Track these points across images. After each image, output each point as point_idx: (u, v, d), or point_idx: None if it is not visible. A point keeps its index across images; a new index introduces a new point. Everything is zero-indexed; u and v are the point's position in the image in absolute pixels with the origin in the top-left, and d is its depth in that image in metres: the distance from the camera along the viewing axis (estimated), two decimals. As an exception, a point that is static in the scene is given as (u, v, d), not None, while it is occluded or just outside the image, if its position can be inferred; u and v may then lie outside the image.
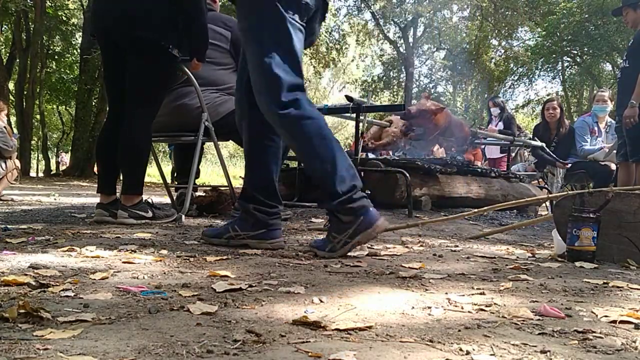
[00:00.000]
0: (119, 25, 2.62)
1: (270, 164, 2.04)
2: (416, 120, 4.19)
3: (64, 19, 18.38)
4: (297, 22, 1.90)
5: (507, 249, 2.27)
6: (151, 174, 15.52)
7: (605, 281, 1.51)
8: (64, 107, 22.78)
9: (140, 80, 2.64)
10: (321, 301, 1.16)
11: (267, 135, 2.02)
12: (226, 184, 3.30)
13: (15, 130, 12.71)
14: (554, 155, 5.38)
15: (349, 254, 1.89)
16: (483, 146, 6.71)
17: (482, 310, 1.13)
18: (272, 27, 1.88)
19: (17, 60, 17.14)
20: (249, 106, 2.02)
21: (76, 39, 19.47)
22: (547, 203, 4.44)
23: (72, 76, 19.77)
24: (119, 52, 2.67)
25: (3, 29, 19.34)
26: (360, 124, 3.92)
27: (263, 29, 1.89)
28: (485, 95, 21.38)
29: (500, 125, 6.62)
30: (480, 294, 1.30)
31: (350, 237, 1.80)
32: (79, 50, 17.52)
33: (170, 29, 2.64)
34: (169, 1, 2.61)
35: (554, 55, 19.19)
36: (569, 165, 5.30)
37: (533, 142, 5.68)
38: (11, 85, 18.11)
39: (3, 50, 18.75)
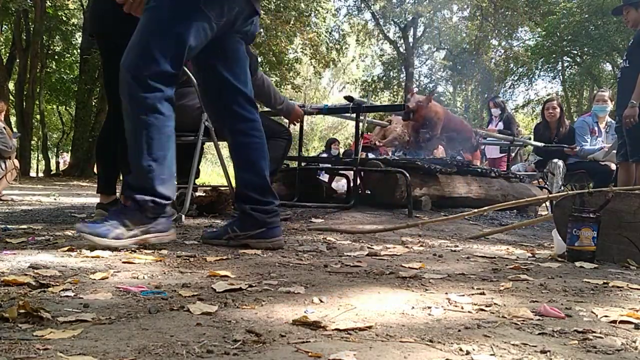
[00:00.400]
0: (119, 26, 2.62)
1: (259, 160, 2.02)
2: (417, 115, 4.17)
3: (64, 19, 18.38)
4: (211, 19, 1.83)
5: (507, 249, 2.27)
6: (151, 174, 15.49)
7: (605, 281, 1.51)
8: (64, 107, 22.78)
9: None
10: (321, 301, 1.16)
11: (249, 132, 2.01)
12: (226, 184, 3.30)
13: (15, 130, 12.69)
14: (559, 145, 5.36)
15: (348, 253, 1.89)
16: (483, 146, 6.71)
17: (482, 310, 1.13)
18: (178, 10, 1.80)
19: (17, 60, 17.14)
20: (225, 109, 2.02)
21: (76, 39, 19.47)
22: (547, 203, 4.44)
23: (72, 76, 19.78)
24: (118, 52, 2.67)
25: (3, 29, 19.34)
26: (360, 124, 3.92)
27: (167, 7, 1.81)
28: (486, 95, 21.41)
29: (500, 126, 6.62)
30: (480, 294, 1.30)
31: (143, 232, 1.79)
32: (79, 50, 17.53)
33: None
34: None
35: (554, 55, 19.21)
36: (577, 148, 5.28)
37: (533, 142, 5.68)
38: (11, 85, 18.10)
39: (3, 50, 18.75)
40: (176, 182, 1.95)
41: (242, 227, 2.01)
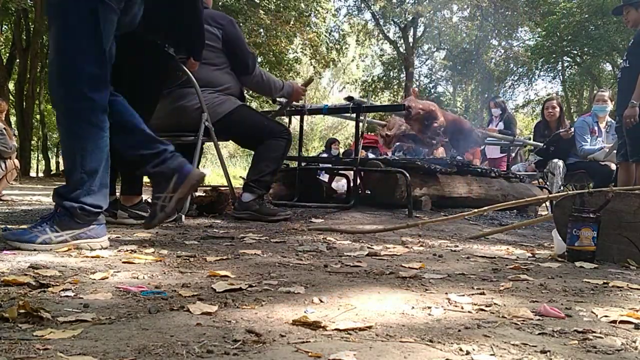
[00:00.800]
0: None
1: (130, 118, 2.00)
2: (415, 110, 4.16)
3: (64, 19, 18.37)
4: (113, 7, 1.83)
5: (507, 249, 2.27)
6: (151, 174, 15.51)
7: (605, 281, 1.51)
8: (63, 107, 22.76)
9: (136, 79, 2.64)
10: (321, 301, 1.16)
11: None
12: (226, 184, 3.30)
13: (14, 128, 12.66)
14: (555, 134, 5.36)
15: (348, 253, 1.89)
16: (482, 146, 6.70)
17: (482, 310, 1.13)
18: (80, 6, 1.79)
19: (17, 60, 17.14)
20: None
21: (76, 39, 19.44)
22: (547, 203, 4.44)
23: (72, 76, 19.74)
24: (115, 51, 2.66)
25: (3, 29, 19.34)
26: (360, 124, 3.92)
27: (69, 6, 1.80)
28: (486, 95, 21.41)
29: (501, 126, 6.62)
30: (480, 294, 1.30)
31: (73, 238, 1.79)
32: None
33: (167, 27, 2.63)
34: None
35: (554, 56, 19.21)
36: (572, 131, 5.28)
37: (533, 142, 5.68)
38: (11, 85, 18.10)
39: (3, 50, 18.74)
40: (109, 191, 1.93)
41: (159, 189, 1.98)
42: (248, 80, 3.24)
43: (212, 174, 20.25)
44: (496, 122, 6.76)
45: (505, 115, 6.88)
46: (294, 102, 3.68)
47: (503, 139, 5.82)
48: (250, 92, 15.74)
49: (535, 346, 0.88)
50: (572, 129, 5.30)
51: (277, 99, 3.87)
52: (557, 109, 5.63)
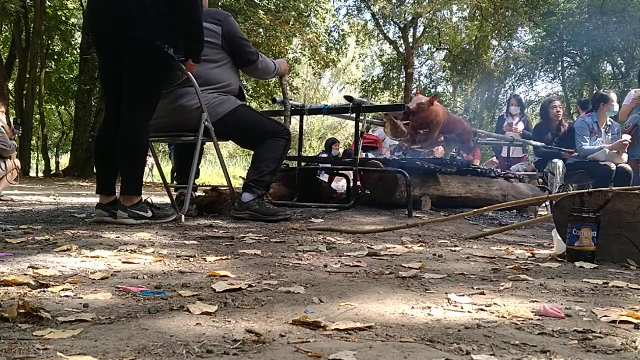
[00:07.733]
0: (115, 25, 2.62)
1: None
2: (417, 117, 4.15)
3: (64, 19, 18.38)
4: None
5: (507, 249, 2.26)
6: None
7: (605, 281, 1.51)
8: (63, 107, 22.78)
9: (136, 80, 2.64)
10: (321, 301, 1.16)
11: None
12: (226, 184, 3.30)
13: (13, 119, 12.52)
14: (559, 148, 5.33)
15: (348, 253, 1.89)
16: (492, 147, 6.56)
17: (482, 310, 1.13)
18: None
19: (17, 60, 17.14)
20: None
21: (76, 39, 19.47)
22: (547, 203, 4.44)
23: (72, 76, 19.78)
24: (115, 52, 2.67)
25: (3, 29, 19.34)
26: (360, 124, 3.92)
27: None
28: (486, 95, 21.39)
29: (521, 126, 6.25)
30: (480, 294, 1.30)
31: None
32: (78, 50, 17.56)
33: (166, 28, 2.64)
34: (165, 1, 2.61)
35: (553, 56, 19.22)
36: (575, 153, 5.27)
37: (533, 142, 5.68)
38: (11, 85, 18.10)
39: (3, 50, 18.74)
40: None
41: None
42: (255, 70, 3.24)
43: (212, 174, 20.26)
44: (516, 122, 6.29)
45: (524, 117, 6.45)
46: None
47: (503, 138, 5.81)
48: (251, 91, 15.76)
49: (535, 346, 0.88)
50: (577, 152, 5.23)
51: (277, 100, 3.87)
52: (562, 111, 5.64)
